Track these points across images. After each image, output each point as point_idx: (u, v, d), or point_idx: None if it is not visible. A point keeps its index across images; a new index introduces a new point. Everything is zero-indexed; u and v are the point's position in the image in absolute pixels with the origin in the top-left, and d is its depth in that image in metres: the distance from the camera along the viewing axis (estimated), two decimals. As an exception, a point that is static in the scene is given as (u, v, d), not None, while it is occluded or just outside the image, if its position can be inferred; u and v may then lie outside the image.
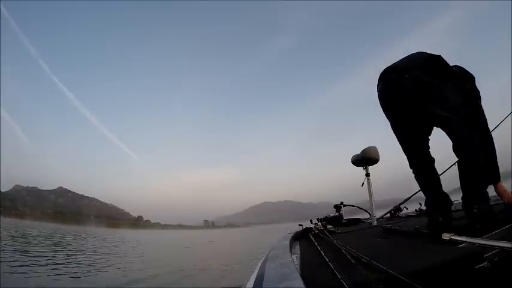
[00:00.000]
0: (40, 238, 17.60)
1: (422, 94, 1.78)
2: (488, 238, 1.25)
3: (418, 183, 1.94)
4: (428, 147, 1.98)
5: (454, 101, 1.79)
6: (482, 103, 2.10)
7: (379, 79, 1.99)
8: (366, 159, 2.95)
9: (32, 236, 18.43)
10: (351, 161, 3.11)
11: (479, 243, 1.08)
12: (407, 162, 1.95)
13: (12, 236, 17.02)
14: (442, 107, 1.76)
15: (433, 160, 1.91)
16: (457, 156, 1.75)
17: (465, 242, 1.15)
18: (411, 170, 1.95)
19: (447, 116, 1.75)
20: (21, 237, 16.94)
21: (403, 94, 1.83)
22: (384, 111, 2.00)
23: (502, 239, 1.26)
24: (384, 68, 2.00)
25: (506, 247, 0.99)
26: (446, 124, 1.80)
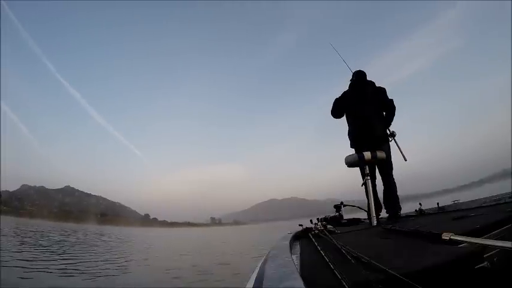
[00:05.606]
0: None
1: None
2: (488, 238, 1.24)
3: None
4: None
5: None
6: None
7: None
8: (365, 159, 2.93)
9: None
10: (344, 163, 3.09)
11: (479, 243, 1.07)
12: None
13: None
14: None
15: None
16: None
17: (465, 242, 1.14)
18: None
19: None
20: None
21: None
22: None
23: (502, 239, 1.25)
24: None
25: (506, 247, 0.98)
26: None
